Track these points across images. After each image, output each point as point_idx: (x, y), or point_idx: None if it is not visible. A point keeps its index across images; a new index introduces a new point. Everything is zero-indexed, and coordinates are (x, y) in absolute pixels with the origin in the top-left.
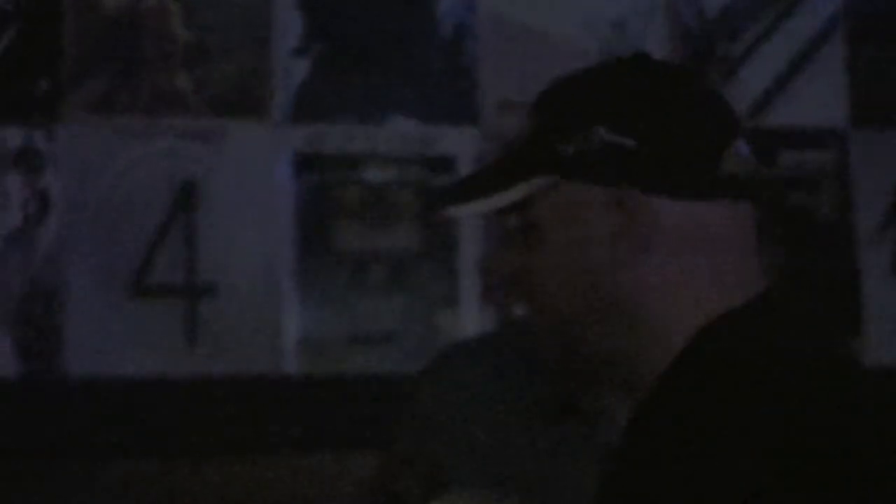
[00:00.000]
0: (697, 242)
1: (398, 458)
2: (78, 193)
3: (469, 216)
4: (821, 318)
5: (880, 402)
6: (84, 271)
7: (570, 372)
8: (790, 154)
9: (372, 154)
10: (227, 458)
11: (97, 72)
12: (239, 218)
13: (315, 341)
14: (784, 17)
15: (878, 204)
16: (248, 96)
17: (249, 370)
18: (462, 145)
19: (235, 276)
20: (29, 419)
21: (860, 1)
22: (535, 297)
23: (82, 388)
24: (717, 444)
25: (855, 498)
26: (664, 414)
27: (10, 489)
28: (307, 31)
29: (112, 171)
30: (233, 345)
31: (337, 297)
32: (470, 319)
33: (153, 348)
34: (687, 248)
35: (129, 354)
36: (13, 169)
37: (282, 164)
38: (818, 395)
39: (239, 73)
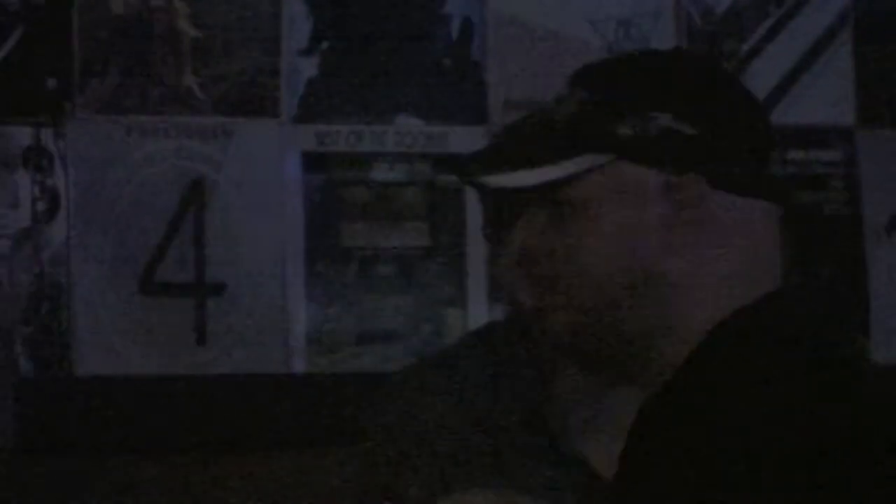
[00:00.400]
0: (739, 240)
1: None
2: (86, 192)
3: (514, 187)
4: (832, 317)
5: (890, 401)
6: (93, 270)
7: (591, 354)
8: (798, 153)
9: (380, 153)
10: (235, 456)
11: (105, 71)
12: (247, 217)
13: (323, 340)
14: (791, 15)
15: (885, 202)
16: (257, 95)
17: (258, 368)
18: (469, 144)
19: (244, 275)
20: (38, 417)
21: (867, 0)
22: (568, 274)
23: (91, 386)
24: (727, 438)
25: (863, 496)
26: (677, 407)
27: (17, 486)
28: (315, 31)
29: (120, 169)
30: (241, 343)
31: (345, 295)
32: (477, 317)
33: (162, 347)
34: (732, 246)
35: (137, 353)
36: (22, 167)
37: (290, 162)
38: (829, 392)
39: (247, 72)
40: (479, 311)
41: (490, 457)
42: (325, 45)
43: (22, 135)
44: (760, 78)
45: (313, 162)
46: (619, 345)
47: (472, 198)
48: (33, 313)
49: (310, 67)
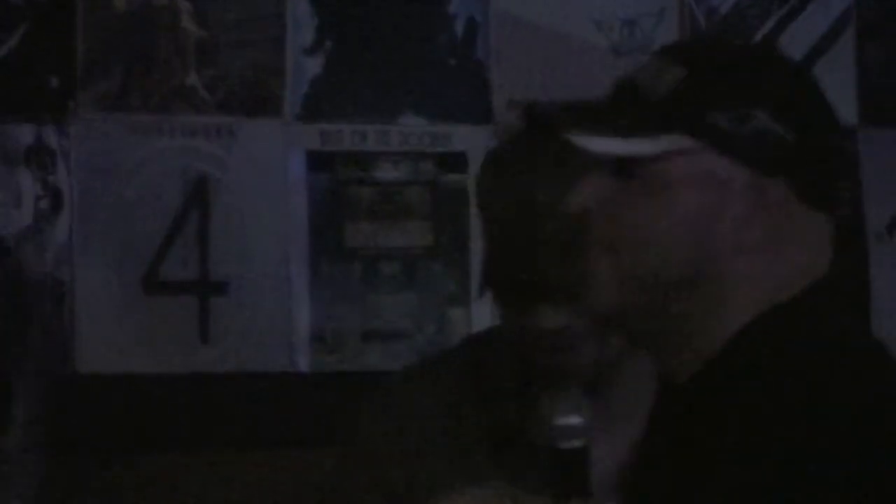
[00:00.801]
0: (795, 245)
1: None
2: (90, 190)
3: (601, 152)
4: (856, 314)
5: None
6: (96, 268)
7: (630, 327)
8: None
9: (384, 152)
10: (238, 455)
11: (109, 69)
12: (251, 215)
13: (327, 338)
14: (794, 15)
15: (888, 202)
16: (261, 94)
17: (262, 367)
18: (474, 143)
19: (248, 273)
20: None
21: None
22: (630, 244)
23: (93, 385)
24: (752, 434)
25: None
26: (703, 399)
27: (20, 485)
28: (320, 29)
29: (124, 168)
30: (245, 342)
31: (349, 294)
32: (481, 316)
33: (165, 345)
34: (789, 248)
35: (141, 351)
36: (25, 166)
37: (294, 161)
38: (863, 386)
39: (251, 71)
40: (482, 310)
41: (485, 457)
42: (329, 44)
43: (24, 133)
44: None
45: (317, 161)
46: (660, 327)
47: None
48: (37, 311)
49: (314, 66)
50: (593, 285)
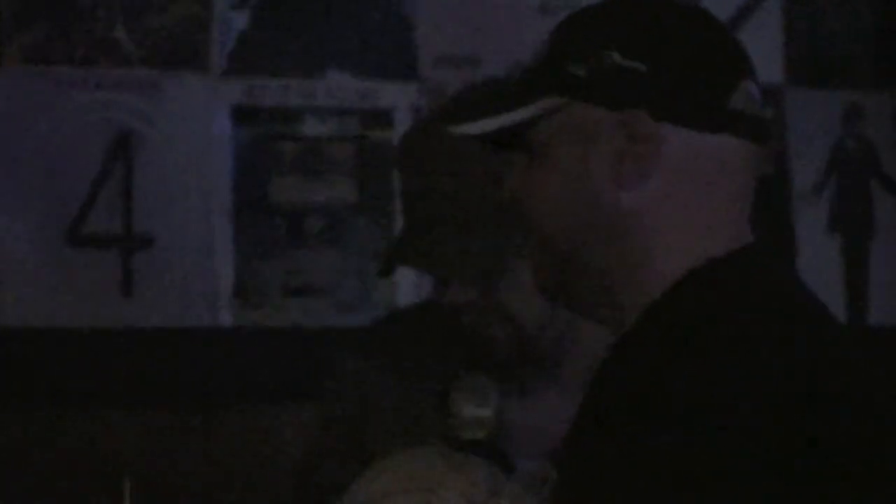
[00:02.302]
0: (698, 176)
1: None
2: (13, 143)
3: (478, 135)
4: (796, 274)
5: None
6: (19, 221)
7: (564, 298)
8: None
9: (310, 107)
10: (160, 409)
11: (33, 22)
12: (176, 170)
13: (250, 293)
14: None
15: (813, 162)
16: (187, 48)
17: (184, 322)
18: (400, 99)
19: (172, 228)
20: None
21: None
22: (534, 216)
23: (16, 337)
24: (690, 397)
25: (821, 452)
26: (636, 358)
27: None
28: None
29: (48, 121)
30: (168, 296)
31: (273, 249)
32: (405, 272)
33: (88, 299)
34: (687, 181)
35: (63, 305)
36: None
37: (219, 116)
38: (812, 353)
39: (177, 25)
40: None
41: (435, 419)
42: None
43: None
44: None
45: (242, 116)
46: (588, 286)
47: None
48: None
49: (240, 21)
50: (529, 265)
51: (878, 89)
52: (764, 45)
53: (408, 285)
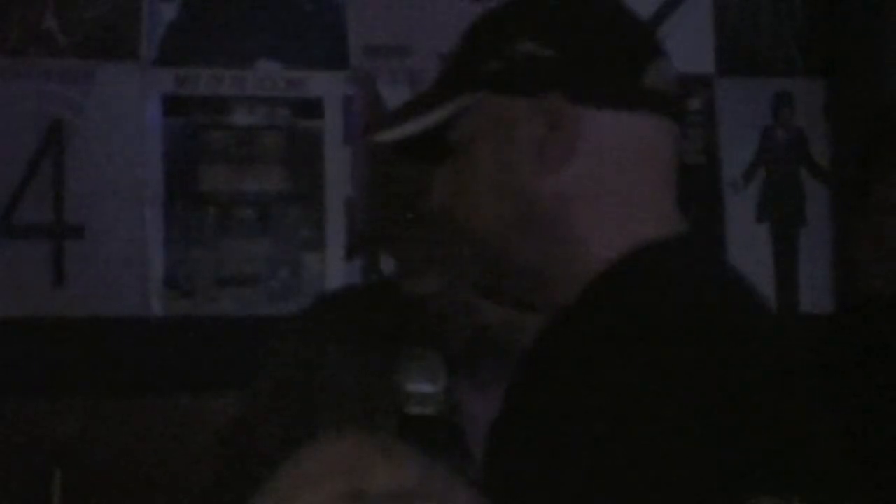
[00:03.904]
0: (621, 156)
1: (258, 409)
2: None
3: (399, 139)
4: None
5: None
6: None
7: (498, 292)
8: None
9: (240, 97)
10: (90, 399)
11: None
12: (107, 159)
13: (181, 283)
14: None
15: (743, 151)
16: (117, 38)
17: (115, 311)
18: (330, 89)
19: (103, 217)
20: None
21: None
22: (463, 220)
23: None
24: (627, 378)
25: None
26: (571, 338)
27: None
28: None
29: None
30: (99, 285)
31: (203, 238)
32: (336, 262)
33: (19, 288)
34: (610, 161)
35: None
36: None
37: (150, 105)
38: (743, 339)
39: (108, 14)
40: (336, 255)
41: (368, 402)
42: None
43: None
44: None
45: (173, 105)
46: (524, 280)
47: (331, 143)
48: None
49: (170, 10)
50: (454, 271)
51: (807, 77)
52: (694, 34)
53: (336, 274)
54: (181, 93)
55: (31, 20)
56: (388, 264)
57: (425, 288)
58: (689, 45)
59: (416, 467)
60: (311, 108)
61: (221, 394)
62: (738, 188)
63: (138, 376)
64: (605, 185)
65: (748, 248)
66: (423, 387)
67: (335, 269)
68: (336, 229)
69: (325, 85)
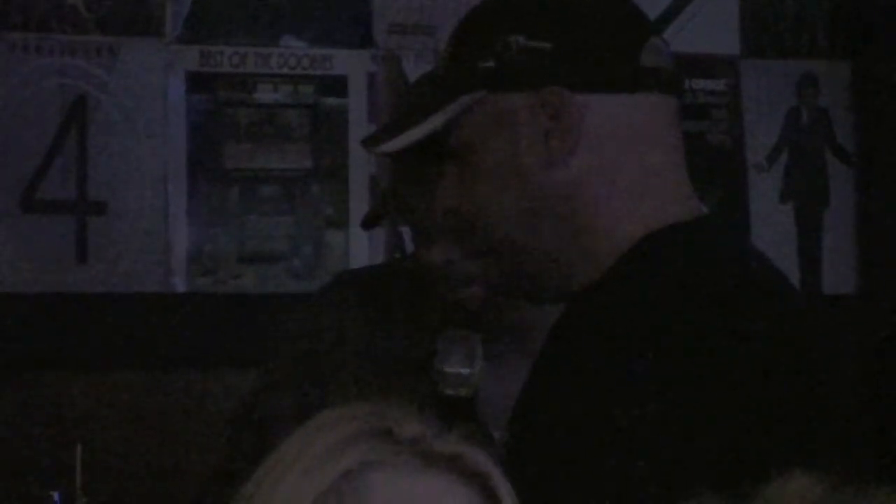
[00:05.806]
0: (626, 139)
1: (275, 381)
2: None
3: (404, 146)
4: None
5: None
6: None
7: (514, 288)
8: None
9: (264, 74)
10: (112, 374)
11: None
12: (130, 136)
13: (204, 260)
14: None
15: (768, 132)
16: (141, 14)
17: (138, 287)
18: (354, 67)
19: (126, 194)
20: None
21: None
22: (476, 221)
23: None
24: (647, 362)
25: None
26: (595, 319)
27: None
28: None
29: (3, 86)
30: (122, 262)
31: (226, 215)
32: (359, 240)
33: (42, 264)
34: (617, 145)
35: (17, 270)
36: None
37: (173, 82)
38: (762, 322)
39: None
40: (359, 233)
41: (385, 379)
42: None
43: None
44: (645, 6)
45: (197, 82)
46: (544, 273)
47: (355, 121)
48: None
49: None
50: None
51: (832, 59)
52: (719, 16)
53: (360, 252)
54: (205, 70)
55: None
56: (410, 244)
57: (437, 255)
58: (714, 27)
59: (437, 424)
60: (336, 85)
61: (243, 371)
62: (763, 169)
63: (160, 353)
64: (614, 169)
65: (772, 229)
66: (460, 369)
67: (358, 248)
68: (359, 207)
69: (349, 63)
